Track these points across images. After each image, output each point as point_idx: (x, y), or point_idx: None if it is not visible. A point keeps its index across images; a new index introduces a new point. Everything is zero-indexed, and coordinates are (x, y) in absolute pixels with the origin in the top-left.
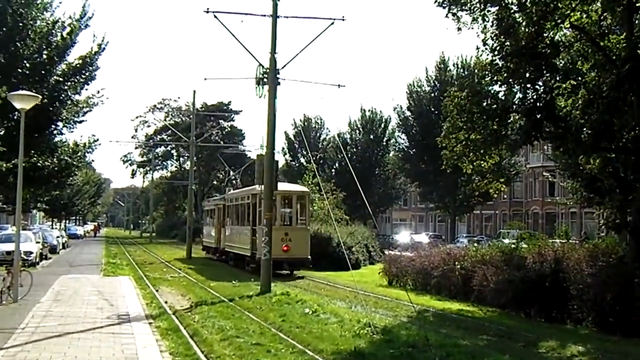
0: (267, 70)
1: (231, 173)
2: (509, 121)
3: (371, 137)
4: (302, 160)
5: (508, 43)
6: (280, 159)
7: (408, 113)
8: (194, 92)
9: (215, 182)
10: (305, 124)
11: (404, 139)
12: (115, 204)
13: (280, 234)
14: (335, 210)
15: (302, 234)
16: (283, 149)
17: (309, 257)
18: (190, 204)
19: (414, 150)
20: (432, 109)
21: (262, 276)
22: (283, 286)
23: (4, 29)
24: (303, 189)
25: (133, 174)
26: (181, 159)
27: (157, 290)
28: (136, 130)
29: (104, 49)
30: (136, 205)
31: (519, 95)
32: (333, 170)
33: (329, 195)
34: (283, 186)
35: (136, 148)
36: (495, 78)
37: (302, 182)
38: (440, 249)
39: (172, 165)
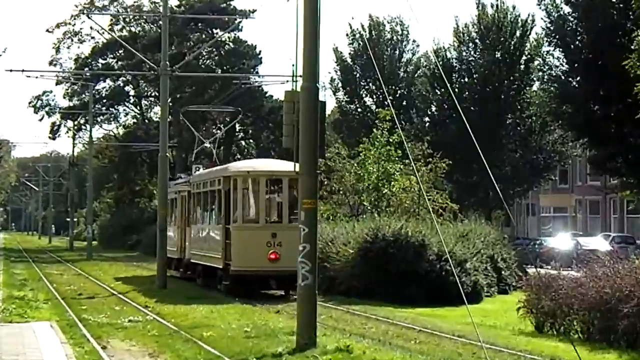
0: None
1: (221, 129)
2: None
3: (497, 55)
4: (368, 100)
5: None
6: (329, 101)
7: (568, 9)
8: None
9: (207, 145)
10: (374, 34)
11: (559, 58)
12: (20, 187)
13: (263, 237)
14: (433, 194)
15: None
16: (332, 81)
17: None
18: (163, 185)
19: (578, 78)
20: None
21: (300, 317)
22: (325, 330)
23: None
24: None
25: (54, 132)
26: (144, 102)
27: (104, 348)
28: (58, 51)
29: None
30: (61, 190)
31: None
32: (426, 119)
33: (421, 165)
34: (266, 165)
35: (59, 83)
36: None
37: (368, 143)
38: (634, 264)
39: (126, 114)
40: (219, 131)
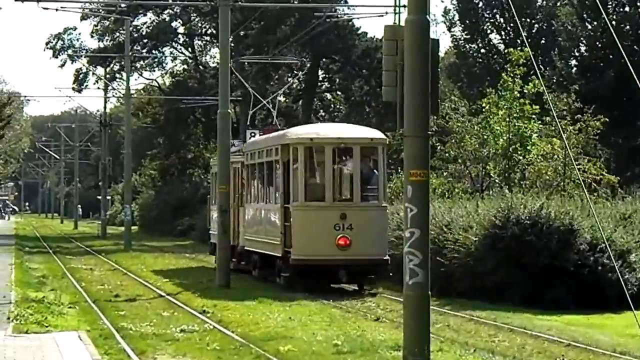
0: None
1: (298, 80)
2: None
3: None
4: (494, 38)
5: None
6: (442, 39)
7: None
8: None
9: (284, 98)
10: None
11: None
12: (36, 155)
13: (330, 218)
14: (584, 162)
15: (374, 217)
16: (447, 12)
17: (387, 257)
18: (224, 152)
19: None
20: None
21: (408, 327)
22: (442, 344)
23: None
24: (375, 134)
25: (80, 82)
26: (197, 42)
27: None
28: None
29: None
30: (89, 159)
31: None
32: (573, 62)
33: (567, 124)
34: (333, 130)
35: (85, 18)
36: None
37: (495, 95)
38: None
39: (174, 59)
40: (291, 81)
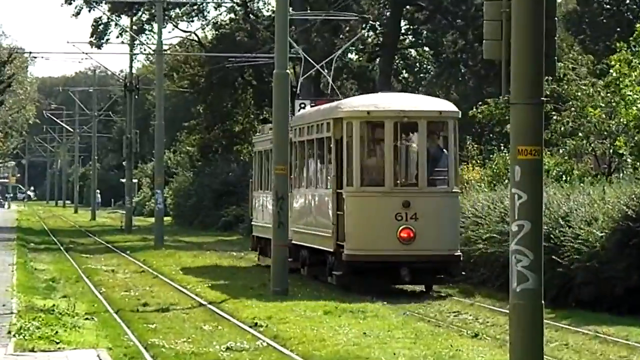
0: None
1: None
2: None
3: None
4: None
5: None
6: None
7: None
8: None
9: (356, 56)
10: None
11: None
12: (43, 127)
13: (391, 206)
14: None
15: (444, 205)
16: None
17: (459, 252)
18: (281, 122)
19: None
20: None
21: (516, 346)
22: None
23: None
24: (444, 105)
25: (99, 36)
26: None
27: None
28: None
29: None
30: (110, 132)
31: None
32: None
33: None
34: (395, 101)
35: None
36: None
37: (627, 51)
38: None
39: (218, 6)
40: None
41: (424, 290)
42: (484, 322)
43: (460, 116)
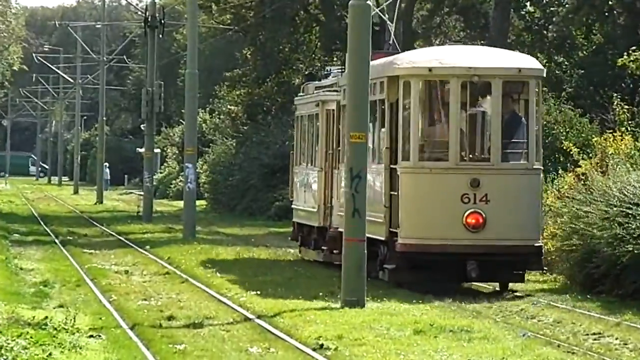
0: None
1: None
2: None
3: None
4: None
5: None
6: None
7: None
8: None
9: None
10: None
11: None
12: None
13: (456, 186)
14: None
15: (522, 185)
16: None
17: (540, 243)
18: (361, 71)
19: None
20: None
21: None
22: None
23: None
24: (524, 61)
25: None
26: None
27: None
28: None
29: None
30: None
31: None
32: None
33: None
34: (463, 56)
35: None
36: None
37: None
38: None
39: None
40: None
41: (498, 289)
42: (635, 348)
43: (545, 75)
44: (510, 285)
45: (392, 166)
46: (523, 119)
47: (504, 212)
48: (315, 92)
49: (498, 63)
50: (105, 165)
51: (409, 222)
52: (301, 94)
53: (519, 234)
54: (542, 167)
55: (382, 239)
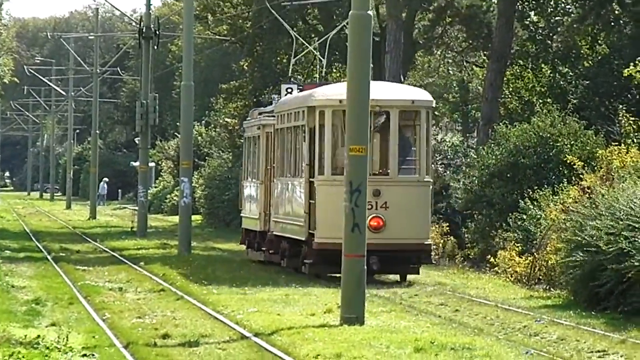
0: None
1: None
2: None
3: None
4: None
5: None
6: None
7: None
8: None
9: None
10: None
11: None
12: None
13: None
14: None
15: (415, 194)
16: None
17: (430, 241)
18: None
19: None
20: None
21: None
22: None
23: None
24: (417, 94)
25: None
26: None
27: None
28: None
29: None
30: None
31: None
32: None
33: None
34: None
35: None
36: None
37: None
38: None
39: None
40: None
41: (398, 280)
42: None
43: (434, 105)
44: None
45: (310, 179)
46: (416, 141)
47: (400, 217)
48: (258, 117)
49: (395, 96)
50: (104, 180)
51: (323, 224)
52: (248, 118)
53: (413, 234)
54: (431, 180)
55: (303, 239)
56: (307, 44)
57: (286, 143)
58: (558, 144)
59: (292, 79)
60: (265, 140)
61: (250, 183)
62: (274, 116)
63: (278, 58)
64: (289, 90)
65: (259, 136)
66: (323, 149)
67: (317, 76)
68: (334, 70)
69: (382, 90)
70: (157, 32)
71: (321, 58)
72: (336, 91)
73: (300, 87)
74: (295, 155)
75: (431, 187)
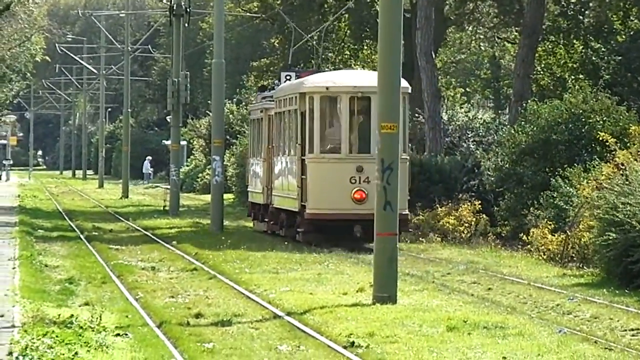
0: None
1: None
2: None
3: None
4: None
5: None
6: None
7: None
8: None
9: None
10: None
11: None
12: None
13: (346, 171)
14: None
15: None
16: None
17: (407, 212)
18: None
19: None
20: None
21: None
22: None
23: None
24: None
25: None
26: None
27: None
28: None
29: None
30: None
31: None
32: None
33: None
34: (350, 78)
35: None
36: None
37: None
38: None
39: None
40: None
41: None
42: None
43: (410, 91)
44: None
45: (302, 157)
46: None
47: None
48: (261, 101)
49: (375, 82)
50: (148, 159)
51: (314, 197)
52: (253, 102)
53: None
54: (408, 157)
55: (296, 210)
56: (303, 34)
57: (283, 125)
58: (590, 121)
59: (291, 67)
60: (267, 122)
61: (255, 161)
62: (274, 101)
63: (308, 35)
64: (288, 77)
65: (262, 118)
66: (313, 130)
67: (340, 58)
68: (364, 48)
69: (364, 78)
70: (188, 10)
71: (318, 47)
72: (323, 79)
73: (298, 75)
74: (290, 136)
75: (408, 163)
